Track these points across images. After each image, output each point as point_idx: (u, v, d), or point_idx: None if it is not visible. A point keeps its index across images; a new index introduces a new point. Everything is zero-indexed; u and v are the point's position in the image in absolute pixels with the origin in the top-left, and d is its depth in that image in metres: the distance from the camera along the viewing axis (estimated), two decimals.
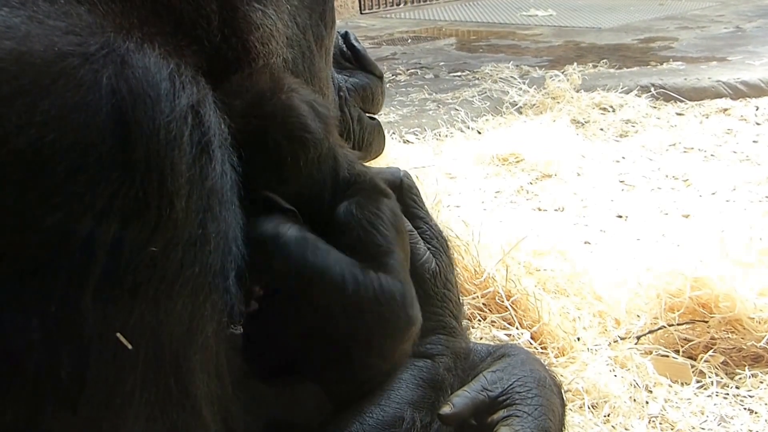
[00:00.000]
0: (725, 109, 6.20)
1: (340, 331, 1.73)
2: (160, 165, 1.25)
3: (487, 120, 5.95)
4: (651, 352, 2.83)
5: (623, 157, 5.23)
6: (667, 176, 4.87)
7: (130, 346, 1.28)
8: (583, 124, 5.87)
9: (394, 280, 1.74)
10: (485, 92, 6.55)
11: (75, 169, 1.20)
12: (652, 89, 6.53)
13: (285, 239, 1.65)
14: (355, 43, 2.12)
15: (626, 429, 2.48)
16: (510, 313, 2.88)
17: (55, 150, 1.19)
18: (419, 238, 2.03)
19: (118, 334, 1.27)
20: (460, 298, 2.14)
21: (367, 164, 2.08)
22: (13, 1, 1.32)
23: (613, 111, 6.13)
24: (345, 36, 2.15)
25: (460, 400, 1.84)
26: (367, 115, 2.34)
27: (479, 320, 2.90)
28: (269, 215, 1.69)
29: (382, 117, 5.87)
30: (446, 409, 1.82)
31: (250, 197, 1.60)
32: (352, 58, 2.11)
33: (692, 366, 2.77)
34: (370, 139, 2.20)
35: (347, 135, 2.07)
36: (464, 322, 2.14)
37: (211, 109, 1.37)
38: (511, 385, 1.89)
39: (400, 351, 1.79)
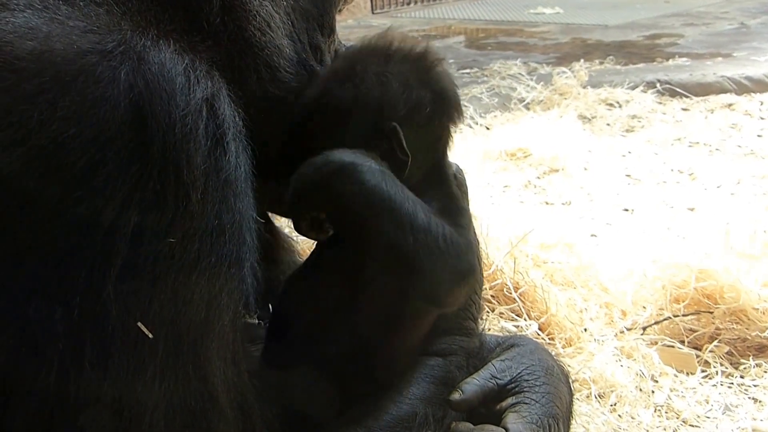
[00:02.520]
0: (730, 104, 6.18)
1: (401, 266, 1.69)
2: (177, 158, 1.26)
3: (495, 116, 5.95)
4: (657, 343, 2.82)
5: (629, 152, 5.21)
6: (672, 170, 4.85)
7: (150, 335, 1.29)
8: (589, 120, 5.86)
9: (461, 233, 1.72)
10: (493, 89, 6.54)
11: (95, 162, 1.22)
12: (658, 85, 6.50)
13: (363, 167, 1.65)
14: None
15: (632, 418, 2.48)
16: (518, 305, 2.88)
17: (75, 145, 1.20)
18: None
19: (139, 324, 1.28)
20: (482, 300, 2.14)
21: None
22: (35, 5, 1.33)
23: (620, 106, 6.11)
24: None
25: (469, 387, 1.85)
26: None
27: (488, 312, 2.90)
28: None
29: None
30: (456, 396, 1.83)
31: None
32: None
33: (697, 356, 2.76)
34: None
35: None
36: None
37: (225, 102, 1.38)
38: (519, 373, 1.90)
39: (453, 299, 1.75)
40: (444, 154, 1.98)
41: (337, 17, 2.05)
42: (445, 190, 1.90)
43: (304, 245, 2.81)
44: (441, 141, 1.95)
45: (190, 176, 1.28)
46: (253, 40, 1.64)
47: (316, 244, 1.97)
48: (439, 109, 1.90)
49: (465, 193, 2.04)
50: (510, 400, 1.86)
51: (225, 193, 1.34)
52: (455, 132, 2.00)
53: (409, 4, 13.21)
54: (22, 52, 1.22)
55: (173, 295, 1.30)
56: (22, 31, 1.25)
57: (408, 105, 1.84)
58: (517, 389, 1.87)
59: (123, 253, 1.24)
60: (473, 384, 1.86)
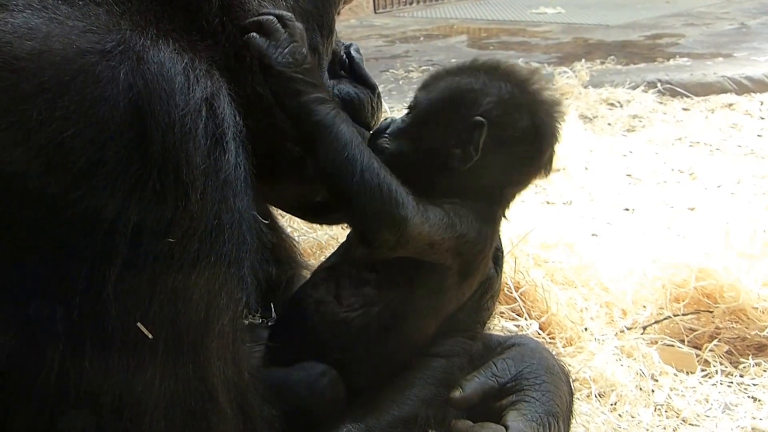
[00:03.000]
0: (730, 104, 6.16)
1: (343, 196, 1.75)
2: (176, 157, 1.25)
3: None
4: (657, 342, 2.81)
5: (630, 152, 5.19)
6: (673, 170, 4.83)
7: (150, 336, 1.28)
8: (591, 120, 5.84)
9: (402, 191, 1.75)
10: None
11: (95, 162, 1.21)
12: (659, 85, 6.48)
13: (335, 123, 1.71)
14: (354, 54, 2.04)
15: (632, 417, 2.47)
16: (519, 305, 2.87)
17: (75, 144, 1.20)
18: None
19: (139, 324, 1.27)
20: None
21: None
22: (34, 5, 1.32)
23: (621, 106, 6.09)
24: (348, 47, 2.08)
25: (470, 385, 1.85)
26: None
27: None
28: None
29: (395, 113, 5.89)
30: (456, 394, 1.83)
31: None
32: (348, 68, 2.03)
33: (697, 355, 2.75)
34: None
35: None
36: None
37: (225, 102, 1.37)
38: (520, 372, 1.89)
39: (379, 240, 1.74)
40: (507, 192, 2.02)
41: (340, 17, 2.04)
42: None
43: (305, 245, 2.80)
44: (512, 174, 1.99)
45: (189, 176, 1.27)
46: None
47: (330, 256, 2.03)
48: (527, 142, 1.94)
49: None
50: (510, 398, 1.85)
51: (224, 192, 1.33)
52: (531, 184, 2.07)
53: (411, 3, 13.16)
54: (22, 52, 1.21)
55: (173, 295, 1.29)
56: (21, 32, 1.24)
57: (504, 119, 1.90)
58: (517, 387, 1.87)
59: (123, 252, 1.23)
60: (474, 382, 1.86)
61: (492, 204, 1.96)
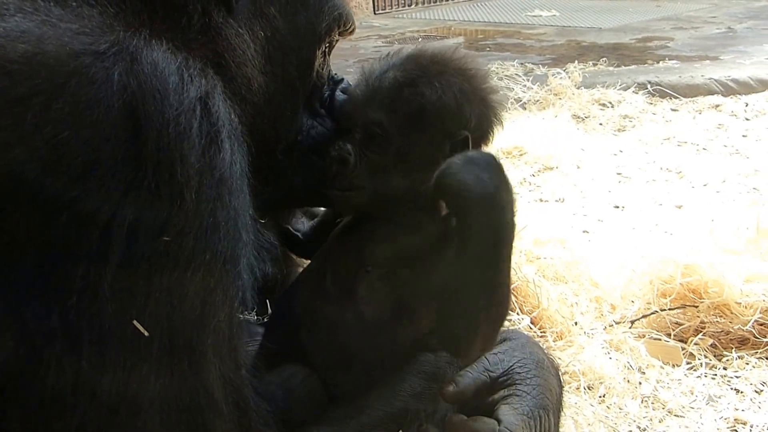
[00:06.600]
0: (717, 106, 6.19)
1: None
2: (171, 157, 1.22)
3: None
4: (644, 336, 2.82)
5: (621, 151, 5.21)
6: (661, 169, 4.86)
7: (146, 334, 1.25)
8: (583, 119, 5.86)
9: None
10: None
11: (90, 163, 1.17)
12: (649, 86, 6.50)
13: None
14: (339, 95, 1.94)
15: (620, 409, 2.47)
16: (511, 300, 2.86)
17: (70, 146, 1.16)
18: None
19: (135, 322, 1.24)
20: None
21: None
22: (26, 8, 1.29)
23: (612, 107, 6.11)
24: (337, 82, 1.95)
25: (463, 379, 1.83)
26: None
27: None
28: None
29: None
30: (450, 388, 1.81)
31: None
32: (327, 108, 1.91)
33: (683, 348, 2.77)
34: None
35: (291, 177, 1.91)
36: None
37: (219, 100, 1.34)
38: (511, 366, 1.87)
39: None
40: None
41: None
42: None
43: None
44: None
45: (184, 175, 1.23)
46: (224, 69, 1.56)
47: (320, 249, 1.98)
48: (487, 131, 1.93)
49: None
50: (502, 393, 1.83)
51: (220, 190, 1.30)
52: None
53: (410, 5, 13.17)
54: (14, 55, 1.17)
55: (168, 293, 1.26)
56: (14, 35, 1.20)
57: (476, 120, 1.87)
58: (509, 382, 1.85)
59: (118, 252, 1.20)
60: (467, 377, 1.84)
61: None
